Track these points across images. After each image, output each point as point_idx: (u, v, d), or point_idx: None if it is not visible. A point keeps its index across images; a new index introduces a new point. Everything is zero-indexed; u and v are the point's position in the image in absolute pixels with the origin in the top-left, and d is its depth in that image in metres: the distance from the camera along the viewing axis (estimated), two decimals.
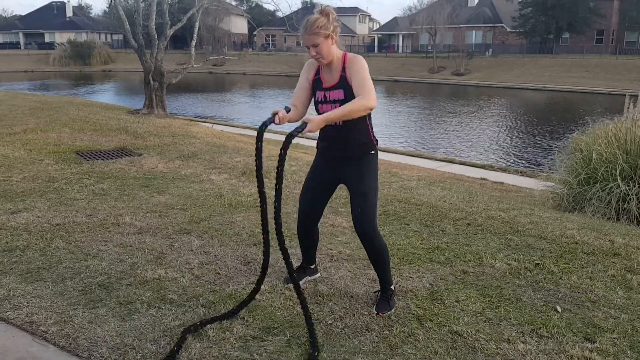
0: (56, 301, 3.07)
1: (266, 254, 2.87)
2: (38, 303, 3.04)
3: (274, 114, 2.71)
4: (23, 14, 75.16)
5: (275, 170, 2.65)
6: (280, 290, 3.23)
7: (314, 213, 3.18)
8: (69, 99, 18.87)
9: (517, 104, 30.43)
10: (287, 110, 2.80)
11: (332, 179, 3.09)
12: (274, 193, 2.68)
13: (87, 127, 9.79)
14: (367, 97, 2.70)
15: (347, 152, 2.94)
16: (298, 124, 2.65)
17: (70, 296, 3.13)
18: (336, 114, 2.68)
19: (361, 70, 2.78)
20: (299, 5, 64.28)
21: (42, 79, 46.46)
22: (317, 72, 2.95)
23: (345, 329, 2.81)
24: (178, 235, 4.21)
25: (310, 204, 3.15)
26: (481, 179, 9.74)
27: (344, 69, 2.84)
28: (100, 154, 7.51)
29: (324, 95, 2.90)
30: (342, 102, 2.82)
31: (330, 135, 2.97)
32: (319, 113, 2.93)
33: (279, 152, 2.60)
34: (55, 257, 3.69)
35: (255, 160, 2.74)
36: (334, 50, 2.83)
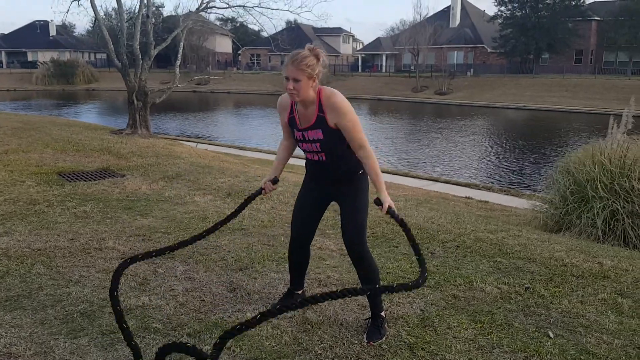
0: (36, 331, 2.96)
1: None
2: (17, 333, 2.93)
3: (262, 189, 3.02)
4: (5, 32, 74.64)
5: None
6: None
7: (306, 233, 3.13)
8: (51, 118, 18.69)
9: (499, 123, 30.78)
10: (275, 181, 3.06)
11: (323, 197, 3.06)
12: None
13: (70, 147, 9.66)
14: (367, 149, 2.77)
15: (336, 174, 2.92)
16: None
17: (51, 325, 3.02)
18: (381, 185, 2.77)
19: (351, 119, 2.72)
20: (284, 25, 64.63)
21: (24, 98, 46.02)
22: (292, 111, 2.88)
23: (335, 359, 2.74)
24: (162, 260, 4.11)
25: (302, 223, 3.11)
26: (466, 197, 9.77)
27: (320, 108, 2.75)
28: (82, 175, 7.39)
29: (303, 135, 2.86)
30: (321, 142, 2.80)
31: (316, 168, 2.98)
32: (301, 147, 2.96)
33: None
34: (36, 284, 3.58)
35: (229, 216, 2.97)
36: (310, 91, 2.73)
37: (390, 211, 2.70)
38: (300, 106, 2.82)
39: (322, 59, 2.70)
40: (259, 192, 3.02)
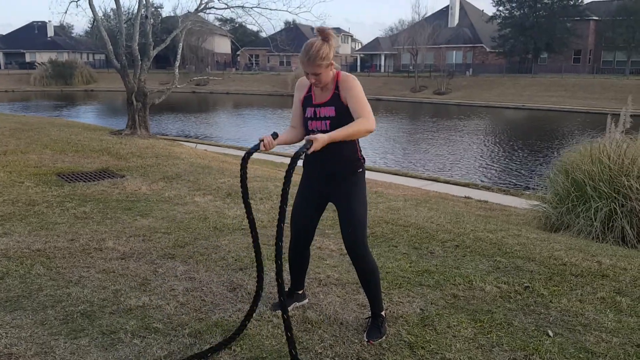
0: (36, 331, 2.96)
1: (259, 286, 2.83)
2: (17, 333, 2.93)
3: (260, 141, 2.75)
4: (3, 33, 74.67)
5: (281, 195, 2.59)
6: (268, 317, 3.16)
7: (306, 233, 3.13)
8: (50, 119, 18.68)
9: (498, 123, 30.79)
10: (275, 136, 2.84)
11: (321, 197, 3.05)
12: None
13: (69, 148, 9.66)
14: (369, 121, 2.74)
15: (334, 170, 2.91)
16: (302, 143, 2.64)
17: (51, 326, 3.03)
18: (340, 133, 2.68)
19: (359, 92, 2.79)
20: (282, 26, 64.63)
21: (22, 99, 45.99)
22: (309, 90, 2.95)
23: (336, 358, 2.74)
24: (162, 260, 4.12)
25: (302, 223, 3.10)
26: (465, 197, 9.77)
27: (336, 87, 2.83)
28: (82, 176, 7.40)
29: (314, 112, 2.89)
30: (332, 119, 2.82)
31: (317, 153, 2.90)
32: (307, 130, 2.93)
33: (285, 173, 2.52)
34: (36, 285, 3.58)
35: (241, 189, 2.68)
36: (330, 74, 2.82)
37: (306, 145, 2.58)
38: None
39: (333, 40, 2.76)
40: (257, 146, 2.79)
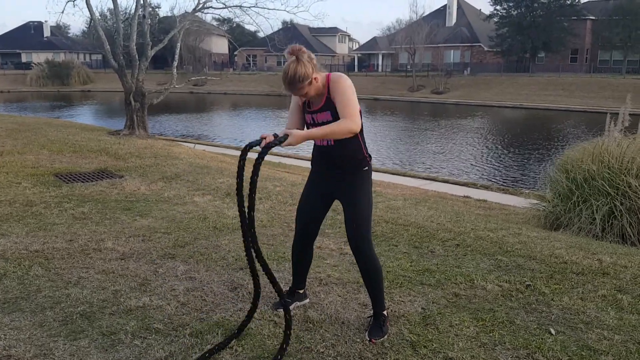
0: (35, 333, 2.94)
1: (256, 285, 2.79)
2: (16, 335, 2.91)
3: (262, 138, 2.71)
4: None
5: (250, 183, 2.59)
6: (270, 317, 3.14)
7: (311, 230, 3.13)
8: (47, 120, 18.62)
9: (496, 122, 30.81)
10: (275, 136, 2.79)
11: (327, 194, 3.06)
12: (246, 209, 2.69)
13: (67, 148, 9.62)
14: (351, 120, 2.73)
15: (340, 168, 2.93)
16: (280, 135, 2.65)
17: (50, 327, 3.00)
18: (318, 132, 2.71)
19: (345, 91, 2.77)
20: (280, 25, 64.61)
21: (19, 99, 45.87)
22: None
23: (338, 358, 2.73)
24: (162, 260, 4.10)
25: (308, 220, 3.10)
26: (464, 196, 9.77)
27: (329, 90, 2.82)
28: (80, 176, 7.36)
29: (312, 118, 2.90)
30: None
31: (323, 152, 2.97)
32: None
33: (255, 161, 2.56)
34: (34, 286, 3.56)
35: (237, 179, 2.68)
36: (319, 84, 2.79)
37: (281, 138, 2.59)
38: None
39: (306, 56, 2.72)
40: (259, 142, 2.75)
